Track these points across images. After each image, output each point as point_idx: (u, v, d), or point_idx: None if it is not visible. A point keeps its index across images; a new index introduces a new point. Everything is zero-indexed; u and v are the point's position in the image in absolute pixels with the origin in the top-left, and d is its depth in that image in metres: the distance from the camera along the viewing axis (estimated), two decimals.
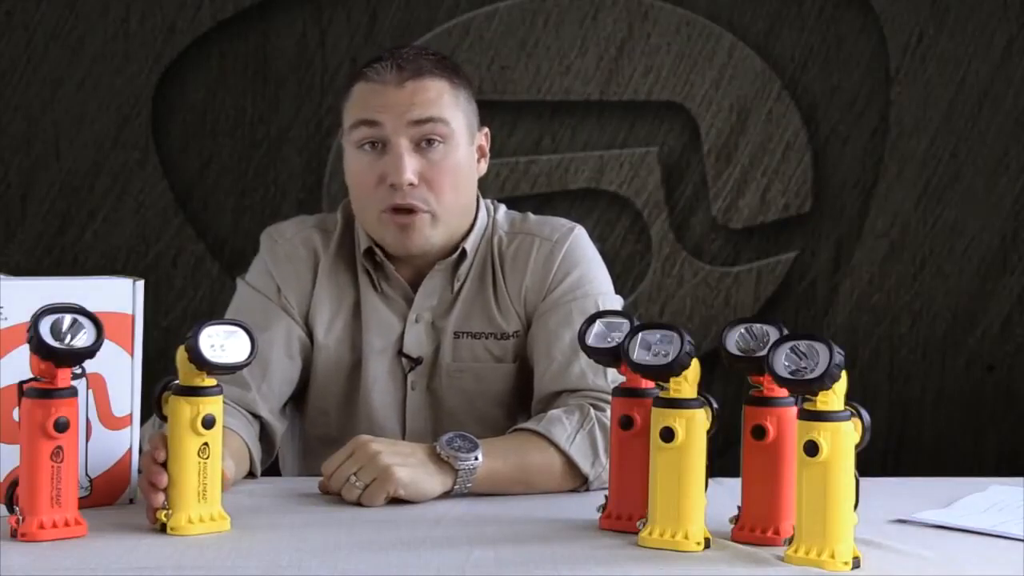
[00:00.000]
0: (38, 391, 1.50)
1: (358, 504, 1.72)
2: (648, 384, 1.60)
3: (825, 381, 1.42)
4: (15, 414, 1.55)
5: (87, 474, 1.67)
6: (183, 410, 1.55)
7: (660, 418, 1.52)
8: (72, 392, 1.52)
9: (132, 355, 1.70)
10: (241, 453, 1.86)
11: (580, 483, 1.85)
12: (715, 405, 1.54)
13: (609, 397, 1.71)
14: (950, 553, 1.53)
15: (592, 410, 1.87)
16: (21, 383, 1.52)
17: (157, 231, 3.21)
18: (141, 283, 1.71)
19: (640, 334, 1.55)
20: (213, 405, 1.56)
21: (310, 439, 2.10)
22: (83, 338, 1.50)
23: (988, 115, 3.27)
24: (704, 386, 1.55)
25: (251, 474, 1.89)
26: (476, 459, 1.77)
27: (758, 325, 1.56)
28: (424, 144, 1.96)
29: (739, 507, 1.57)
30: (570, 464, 1.83)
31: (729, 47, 3.24)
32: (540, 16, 3.23)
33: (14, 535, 1.51)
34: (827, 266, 3.30)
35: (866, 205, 3.28)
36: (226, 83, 3.20)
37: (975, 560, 1.52)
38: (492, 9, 3.21)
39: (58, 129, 3.18)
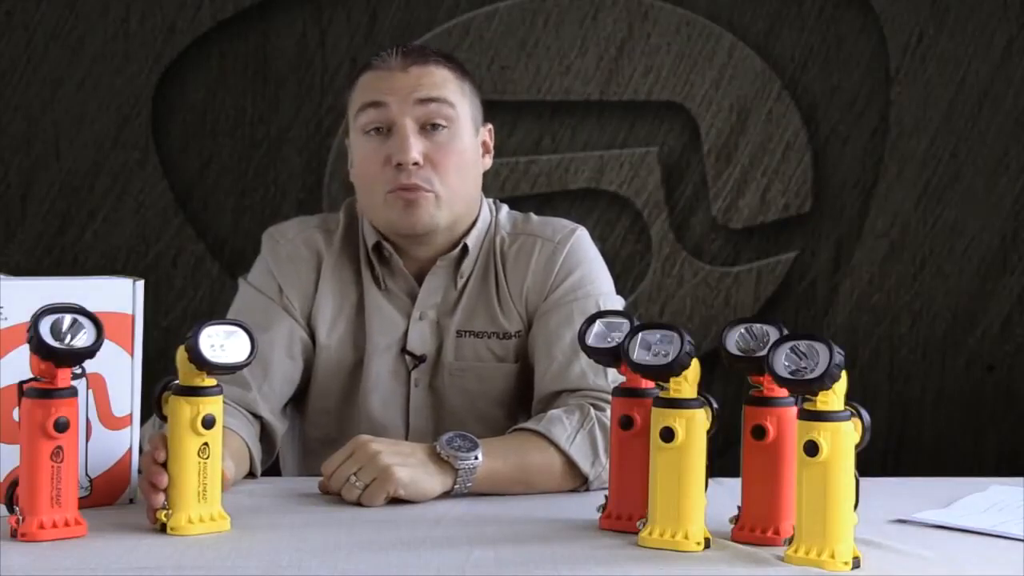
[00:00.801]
0: (38, 391, 1.50)
1: (358, 504, 1.72)
2: (648, 384, 1.60)
3: (825, 381, 1.42)
4: (15, 414, 1.55)
5: (87, 474, 1.67)
6: (183, 410, 1.55)
7: (660, 418, 1.52)
8: (72, 392, 1.52)
9: (132, 355, 1.70)
10: (241, 453, 1.86)
11: (580, 483, 1.85)
12: (715, 405, 1.54)
13: (609, 397, 1.71)
14: (950, 553, 1.53)
15: (592, 410, 1.87)
16: (21, 383, 1.52)
17: (157, 231, 3.21)
18: (141, 283, 1.71)
19: (640, 334, 1.55)
20: (213, 405, 1.56)
21: (310, 439, 2.10)
22: (83, 338, 1.50)
23: (988, 115, 3.27)
24: (704, 386, 1.55)
25: (251, 474, 1.89)
26: (476, 459, 1.77)
27: (758, 325, 1.56)
28: (430, 127, 1.97)
29: (739, 507, 1.57)
30: (570, 464, 1.83)
31: (729, 47, 3.24)
32: (540, 16, 3.23)
33: (14, 535, 1.51)
34: (827, 266, 3.30)
35: (866, 205, 3.28)
36: (226, 83, 3.20)
37: (975, 560, 1.52)
38: (492, 9, 3.21)
39: (58, 129, 3.18)
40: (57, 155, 3.18)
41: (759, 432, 1.53)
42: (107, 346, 1.55)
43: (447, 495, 1.76)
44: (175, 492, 1.55)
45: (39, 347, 1.48)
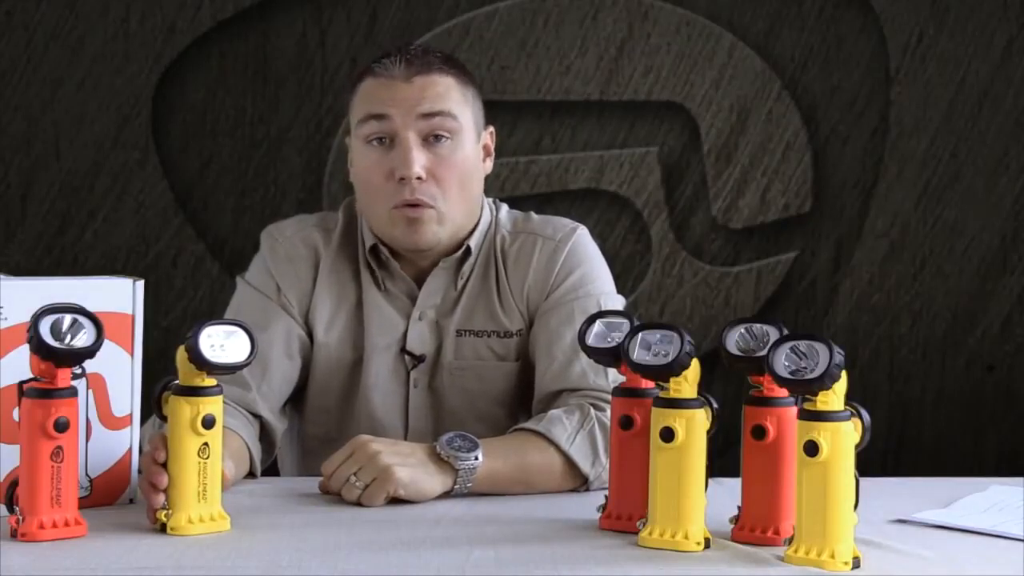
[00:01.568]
0: (38, 391, 1.50)
1: (358, 504, 1.72)
2: (648, 384, 1.60)
3: (825, 381, 1.42)
4: (15, 414, 1.55)
5: (87, 474, 1.67)
6: (183, 410, 1.55)
7: (660, 418, 1.52)
8: (72, 392, 1.52)
9: (132, 355, 1.70)
10: (241, 453, 1.86)
11: (580, 483, 1.85)
12: (715, 405, 1.54)
13: (610, 397, 1.71)
14: (950, 553, 1.53)
15: (592, 410, 1.87)
16: (21, 383, 1.52)
17: (157, 231, 3.21)
18: (141, 283, 1.71)
19: (640, 334, 1.55)
20: (213, 405, 1.56)
21: (310, 438, 2.10)
22: (83, 338, 1.50)
23: (988, 115, 3.27)
24: (704, 386, 1.55)
25: (251, 474, 1.89)
26: (476, 459, 1.77)
27: (758, 325, 1.56)
28: (432, 139, 1.97)
29: (739, 507, 1.57)
30: (570, 464, 1.83)
31: (729, 47, 3.24)
32: (540, 16, 3.23)
33: (14, 535, 1.51)
34: (827, 266, 3.30)
35: (866, 205, 3.29)
36: (226, 83, 3.20)
37: (975, 560, 1.52)
38: (492, 9, 3.21)
39: (58, 129, 3.18)
40: (57, 155, 3.18)
41: (759, 432, 1.53)
42: (107, 346, 1.55)
43: (447, 495, 1.76)
44: (175, 492, 1.55)
45: (39, 347, 1.48)
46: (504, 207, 2.13)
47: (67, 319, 1.50)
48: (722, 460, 1.70)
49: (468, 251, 2.04)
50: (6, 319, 1.61)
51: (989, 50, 3.26)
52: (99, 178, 3.19)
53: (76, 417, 1.52)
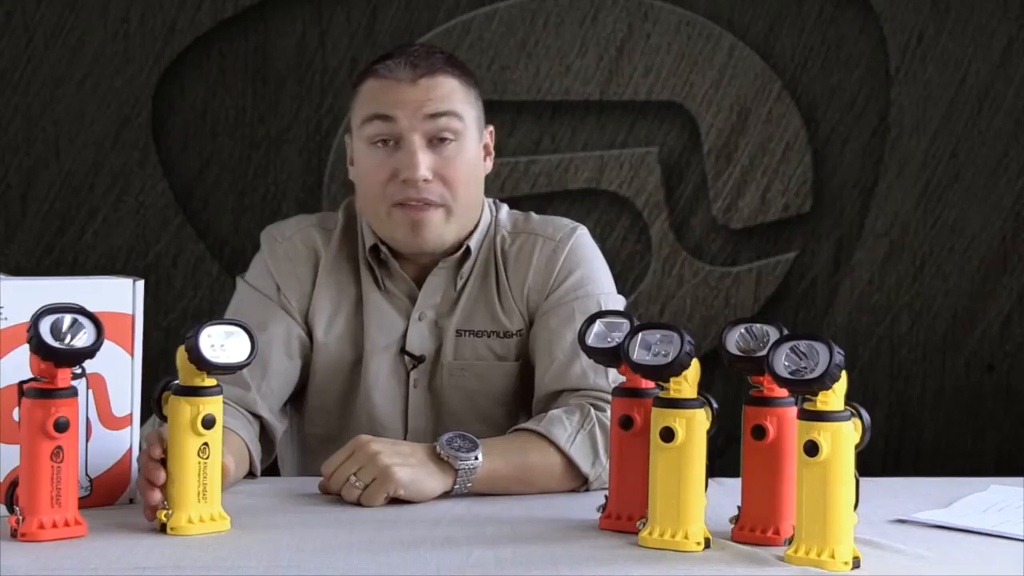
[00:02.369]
0: (38, 391, 1.50)
1: (358, 504, 1.72)
2: (648, 384, 1.60)
3: (825, 381, 1.42)
4: (15, 414, 1.55)
5: (87, 474, 1.67)
6: (183, 410, 1.55)
7: (660, 418, 1.52)
8: (72, 392, 1.52)
9: (132, 355, 1.70)
10: (241, 453, 1.86)
11: (580, 483, 1.85)
12: (715, 405, 1.54)
13: (610, 397, 1.71)
14: (950, 553, 1.53)
15: (592, 410, 1.87)
16: (21, 383, 1.52)
17: (157, 231, 3.21)
18: (141, 283, 1.71)
19: (640, 334, 1.55)
20: (213, 405, 1.56)
21: (309, 438, 2.10)
22: (83, 338, 1.50)
23: (988, 115, 3.27)
24: (704, 386, 1.55)
25: (251, 474, 1.89)
26: (476, 459, 1.77)
27: (758, 325, 1.56)
28: (437, 141, 1.96)
29: (739, 507, 1.57)
30: (570, 464, 1.83)
31: (729, 47, 3.24)
32: (540, 16, 3.23)
33: (14, 535, 1.51)
34: (827, 266, 3.30)
35: (866, 205, 3.29)
36: (226, 83, 3.20)
37: (975, 560, 1.52)
38: (492, 9, 3.22)
39: (58, 129, 3.18)
40: (57, 155, 3.18)
41: (759, 432, 1.53)
42: (107, 346, 1.55)
43: (447, 495, 1.76)
44: (175, 492, 1.55)
45: (39, 347, 1.48)
46: (504, 207, 2.13)
47: (67, 319, 1.50)
48: (722, 460, 1.70)
49: (468, 251, 2.04)
50: (6, 319, 1.61)
51: (989, 50, 3.26)
52: (99, 178, 3.19)
53: (76, 417, 1.52)
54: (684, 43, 3.24)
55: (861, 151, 3.28)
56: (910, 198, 3.28)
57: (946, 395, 3.30)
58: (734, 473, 1.62)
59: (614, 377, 1.86)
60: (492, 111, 2.12)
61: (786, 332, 1.51)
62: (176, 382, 1.56)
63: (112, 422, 1.70)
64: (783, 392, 1.52)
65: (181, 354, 1.54)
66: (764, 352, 1.49)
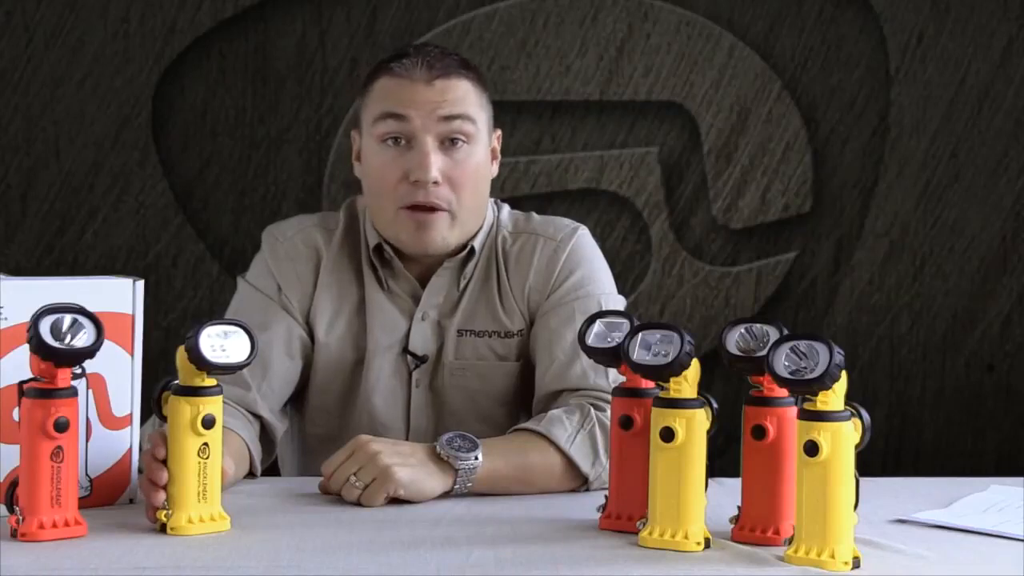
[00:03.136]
0: (38, 391, 1.50)
1: (358, 504, 1.72)
2: (648, 384, 1.60)
3: (825, 381, 1.42)
4: (15, 414, 1.55)
5: (87, 474, 1.67)
6: (183, 410, 1.55)
7: (660, 418, 1.52)
8: (72, 392, 1.52)
9: (132, 355, 1.70)
10: (241, 453, 1.86)
11: (580, 483, 1.85)
12: (715, 405, 1.54)
13: (610, 397, 1.71)
14: (950, 553, 1.53)
15: (592, 410, 1.87)
16: (21, 383, 1.52)
17: (157, 231, 3.21)
18: (141, 283, 1.71)
19: (640, 334, 1.55)
20: (213, 405, 1.56)
21: (310, 438, 2.10)
22: (83, 338, 1.50)
23: (988, 115, 3.27)
24: (704, 386, 1.55)
25: (251, 474, 1.89)
26: (476, 459, 1.77)
27: (758, 325, 1.56)
28: (448, 143, 1.96)
29: (739, 507, 1.57)
30: (570, 464, 1.83)
31: (729, 47, 3.24)
32: (540, 16, 3.23)
33: (14, 535, 1.51)
34: (827, 266, 3.30)
35: (866, 205, 3.29)
36: (226, 83, 3.20)
37: (975, 560, 1.52)
38: (492, 9, 3.22)
39: (58, 129, 3.18)
40: (57, 155, 3.18)
41: (759, 432, 1.53)
42: (107, 346, 1.55)
43: (447, 495, 1.76)
44: (175, 492, 1.55)
45: (39, 347, 1.48)
46: (505, 207, 2.13)
47: (67, 319, 1.50)
48: (722, 460, 1.70)
49: (472, 252, 2.04)
50: (6, 319, 1.61)
51: (989, 50, 3.26)
52: (99, 178, 3.19)
53: (76, 417, 1.52)
54: (684, 43, 3.24)
55: (861, 151, 3.28)
56: (910, 198, 3.28)
57: (946, 395, 3.30)
58: (734, 473, 1.62)
59: (614, 377, 1.86)
60: (492, 111, 2.12)
61: (786, 332, 1.51)
62: (176, 382, 1.56)
63: (112, 422, 1.70)
64: (783, 392, 1.52)
65: (181, 354, 1.54)
66: (764, 352, 1.49)
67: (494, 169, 2.07)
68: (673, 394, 1.53)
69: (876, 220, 3.28)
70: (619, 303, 2.06)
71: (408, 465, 1.73)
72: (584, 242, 2.08)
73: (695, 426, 1.52)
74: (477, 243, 2.05)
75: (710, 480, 1.55)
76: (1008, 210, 3.28)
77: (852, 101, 3.27)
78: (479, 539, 1.56)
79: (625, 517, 1.60)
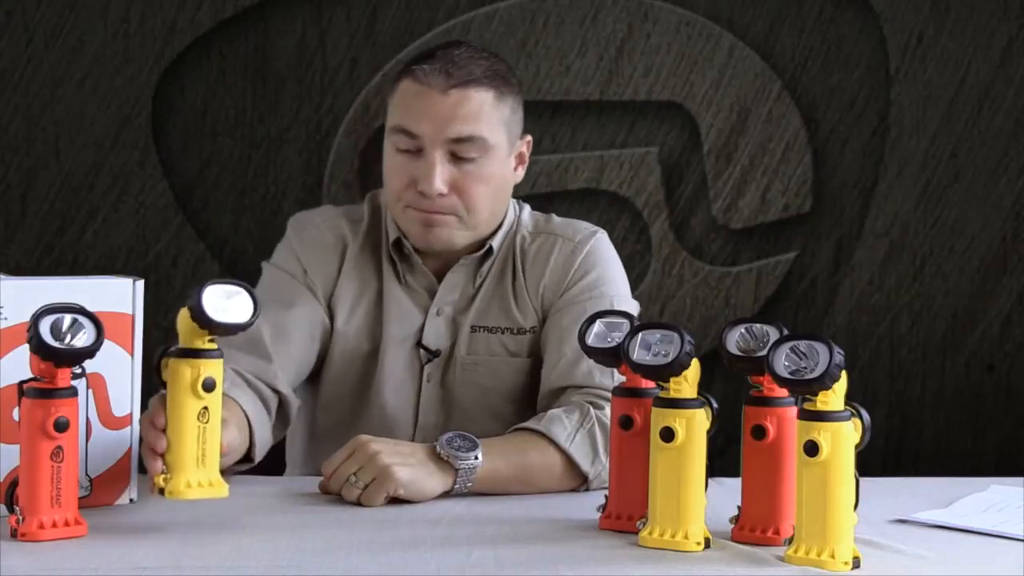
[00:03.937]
0: (38, 391, 1.50)
1: (358, 504, 1.72)
2: (648, 384, 1.60)
3: (825, 381, 1.42)
4: (15, 414, 1.55)
5: (87, 474, 1.67)
6: (183, 372, 1.53)
7: (660, 418, 1.52)
8: (72, 392, 1.51)
9: (132, 355, 1.70)
10: (242, 431, 1.83)
11: (580, 482, 1.85)
12: (715, 405, 1.54)
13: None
14: (950, 553, 1.53)
15: (592, 409, 1.87)
16: (21, 383, 1.52)
17: (157, 231, 3.21)
18: (141, 283, 1.71)
19: (640, 334, 1.55)
20: (214, 367, 1.54)
21: (320, 427, 2.10)
22: (83, 338, 1.50)
23: (988, 115, 3.27)
24: (704, 386, 1.55)
25: (248, 459, 1.86)
26: (476, 459, 1.77)
27: (758, 325, 1.56)
28: (459, 156, 1.97)
29: (739, 507, 1.57)
30: (570, 463, 1.84)
31: (729, 47, 3.24)
32: (540, 16, 3.23)
33: (14, 535, 1.51)
34: (827, 266, 3.30)
35: (866, 205, 3.28)
36: (226, 83, 3.20)
37: (975, 560, 1.52)
38: (492, 9, 3.21)
39: (58, 129, 3.18)
40: (57, 155, 3.18)
41: (759, 432, 1.53)
42: (107, 346, 1.55)
43: (447, 495, 1.76)
44: (173, 456, 1.53)
45: (39, 347, 1.48)
46: (527, 207, 2.14)
47: (67, 319, 1.50)
48: (722, 460, 1.70)
49: (490, 251, 2.06)
50: (6, 319, 1.61)
51: (989, 50, 3.26)
52: (99, 178, 3.19)
53: (76, 417, 1.52)
54: (684, 43, 3.24)
55: (861, 151, 3.28)
56: (910, 198, 3.28)
57: (946, 395, 3.30)
58: (734, 473, 1.62)
59: (619, 378, 1.86)
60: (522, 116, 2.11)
61: (786, 332, 1.51)
62: (175, 347, 1.55)
63: (112, 422, 1.70)
64: (783, 392, 1.52)
65: (183, 315, 1.53)
66: (764, 352, 1.49)
67: (519, 175, 2.08)
68: (673, 394, 1.53)
69: (876, 220, 3.28)
70: (632, 308, 2.06)
71: (408, 465, 1.74)
72: (602, 245, 2.10)
73: (695, 426, 1.52)
74: (496, 242, 2.06)
75: (710, 480, 1.55)
76: (1008, 210, 3.28)
77: (852, 101, 3.27)
78: (479, 539, 1.56)
79: (625, 517, 1.60)
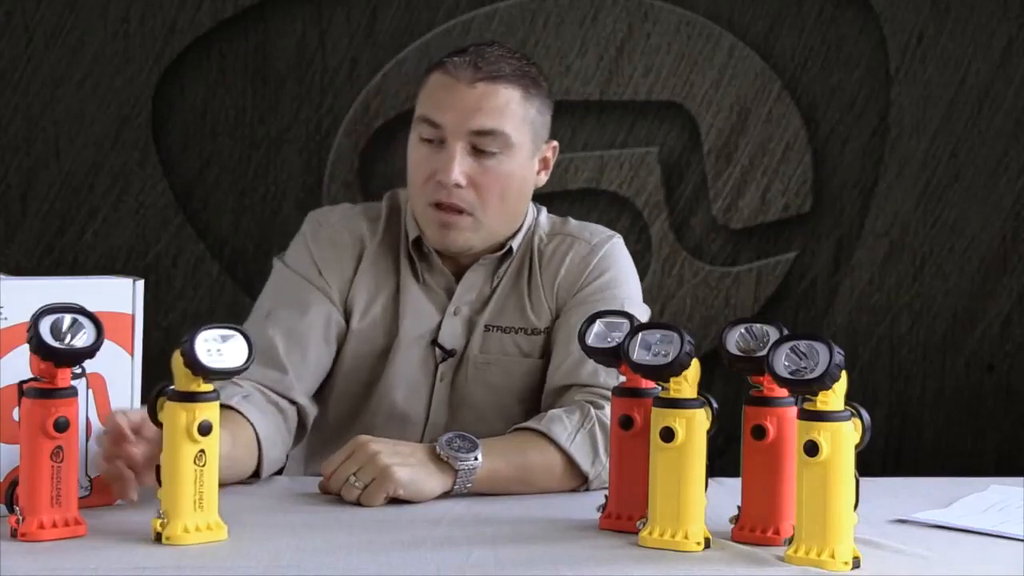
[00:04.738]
0: (38, 391, 1.50)
1: (358, 504, 1.72)
2: (648, 384, 1.60)
3: (825, 381, 1.42)
4: (15, 414, 1.55)
5: (87, 474, 1.67)
6: (179, 416, 1.51)
7: (660, 418, 1.52)
8: (72, 392, 1.51)
9: (132, 355, 1.70)
10: (249, 449, 1.84)
11: (580, 482, 1.85)
12: (715, 405, 1.54)
13: None
14: (950, 553, 1.53)
15: (592, 409, 1.87)
16: (21, 383, 1.52)
17: (157, 231, 3.21)
18: (141, 283, 1.70)
19: (640, 334, 1.55)
20: (210, 411, 1.52)
21: (328, 422, 2.09)
22: (83, 338, 1.50)
23: (988, 115, 3.27)
24: (704, 386, 1.55)
25: (256, 474, 1.87)
26: (476, 459, 1.77)
27: (758, 325, 1.56)
28: (480, 149, 1.97)
29: (739, 507, 1.57)
30: (570, 463, 1.84)
31: (729, 47, 3.24)
32: (540, 16, 3.23)
33: (14, 535, 1.51)
34: (827, 266, 3.30)
35: (866, 205, 3.28)
36: (226, 83, 3.20)
37: (975, 560, 1.52)
38: (492, 9, 3.21)
39: (58, 129, 3.18)
40: (57, 155, 3.18)
41: (759, 432, 1.53)
42: (107, 346, 1.55)
43: (447, 495, 1.76)
44: (171, 500, 1.52)
45: (39, 347, 1.48)
46: (543, 210, 2.15)
47: (67, 319, 1.50)
48: (722, 460, 1.70)
49: (510, 252, 2.06)
50: (6, 319, 1.61)
51: (989, 50, 3.26)
52: (99, 178, 3.19)
53: (76, 417, 1.52)
54: (684, 43, 3.24)
55: (861, 151, 3.28)
56: (910, 198, 3.28)
57: (946, 395, 3.30)
58: (734, 473, 1.62)
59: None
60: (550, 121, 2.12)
61: (786, 332, 1.52)
62: (171, 388, 1.54)
63: None
64: (783, 392, 1.52)
65: (177, 359, 1.51)
66: (764, 352, 1.49)
67: (541, 180, 2.09)
68: (673, 394, 1.53)
69: (876, 220, 3.28)
70: (642, 312, 2.06)
71: (408, 465, 1.74)
72: (618, 249, 2.11)
73: (695, 426, 1.52)
74: (515, 244, 2.06)
75: (710, 480, 1.55)
76: (1008, 210, 3.28)
77: (852, 101, 3.27)
78: (479, 539, 1.56)
79: (625, 517, 1.60)
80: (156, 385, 1.55)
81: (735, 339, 1.56)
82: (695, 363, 1.53)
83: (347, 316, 2.05)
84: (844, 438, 1.44)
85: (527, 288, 2.07)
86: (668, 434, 1.51)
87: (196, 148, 3.22)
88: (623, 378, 1.64)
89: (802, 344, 1.44)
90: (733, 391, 2.09)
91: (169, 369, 1.54)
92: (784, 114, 3.26)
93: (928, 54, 3.25)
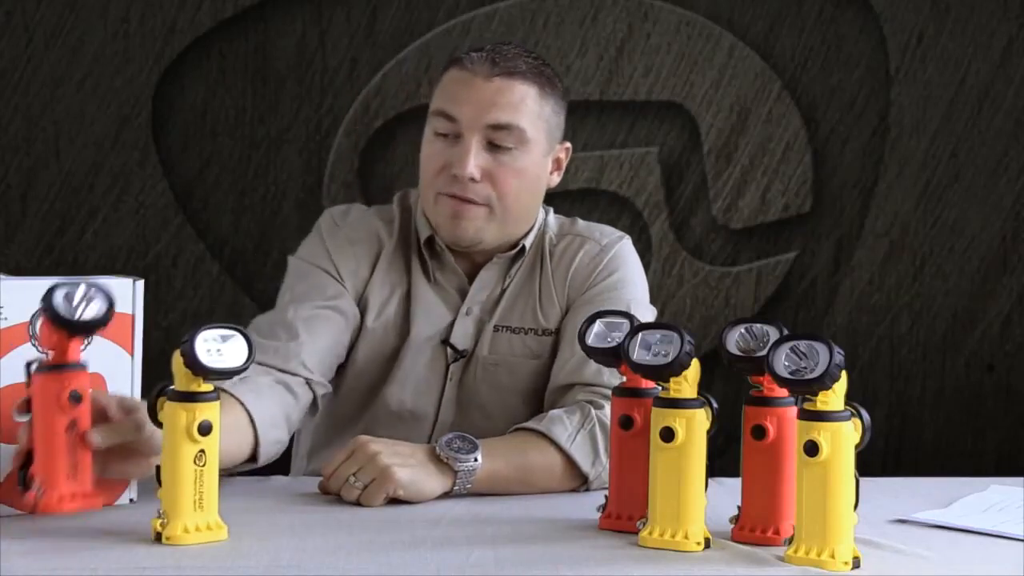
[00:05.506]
0: (51, 366, 1.52)
1: (358, 504, 1.72)
2: (648, 384, 1.60)
3: (825, 381, 1.42)
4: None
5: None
6: (179, 416, 1.51)
7: (660, 418, 1.52)
8: (83, 366, 1.53)
9: (132, 355, 1.70)
10: (243, 434, 1.81)
11: (580, 483, 1.85)
12: (715, 405, 1.54)
13: None
14: (950, 553, 1.53)
15: (592, 409, 1.87)
16: (28, 363, 1.53)
17: (157, 231, 3.21)
18: (141, 283, 1.70)
19: (640, 334, 1.55)
20: (210, 411, 1.52)
21: (336, 418, 2.09)
22: (95, 308, 1.52)
23: (988, 115, 3.27)
24: (704, 386, 1.55)
25: (253, 458, 1.84)
26: (475, 460, 1.77)
27: (758, 325, 1.56)
28: (495, 144, 1.97)
29: (739, 507, 1.57)
30: (571, 463, 1.84)
31: (729, 47, 3.24)
32: (540, 16, 3.23)
33: (34, 510, 1.52)
34: (827, 266, 3.30)
35: (866, 205, 3.29)
36: (226, 83, 3.20)
37: (975, 560, 1.52)
38: (492, 9, 3.21)
39: (58, 129, 3.18)
40: (57, 155, 3.18)
41: (759, 432, 1.53)
42: (107, 346, 1.56)
43: (447, 495, 1.76)
44: (171, 500, 1.51)
45: (54, 316, 1.49)
46: (551, 210, 2.15)
47: (80, 289, 1.51)
48: (722, 460, 1.70)
49: (523, 250, 2.07)
50: (6, 319, 1.61)
51: (989, 50, 3.26)
52: (99, 178, 3.19)
53: (87, 391, 1.53)
54: (684, 43, 3.24)
55: (861, 151, 3.28)
56: (910, 198, 3.28)
57: (946, 395, 3.30)
58: (734, 473, 1.62)
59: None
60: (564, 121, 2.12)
61: (786, 332, 1.51)
62: (171, 388, 1.54)
63: None
64: (783, 392, 1.52)
65: (177, 359, 1.51)
66: (764, 352, 1.49)
67: (554, 180, 2.09)
68: (673, 394, 1.53)
69: (876, 220, 3.28)
70: (648, 313, 2.06)
71: (408, 466, 1.74)
72: (627, 250, 2.13)
73: (695, 426, 1.52)
74: (527, 242, 2.07)
75: (710, 480, 1.55)
76: (1008, 210, 3.28)
77: (852, 101, 3.27)
78: (479, 539, 1.56)
79: (625, 517, 1.60)
80: (156, 385, 1.55)
81: (735, 339, 1.56)
82: (695, 363, 1.53)
83: (361, 315, 2.05)
84: (844, 438, 1.44)
85: (538, 289, 2.07)
86: (668, 434, 1.51)
87: (196, 148, 3.22)
88: (622, 378, 1.64)
89: (802, 344, 1.44)
90: (733, 391, 2.10)
91: (169, 369, 1.54)
92: (784, 114, 3.26)
93: (928, 54, 3.26)
